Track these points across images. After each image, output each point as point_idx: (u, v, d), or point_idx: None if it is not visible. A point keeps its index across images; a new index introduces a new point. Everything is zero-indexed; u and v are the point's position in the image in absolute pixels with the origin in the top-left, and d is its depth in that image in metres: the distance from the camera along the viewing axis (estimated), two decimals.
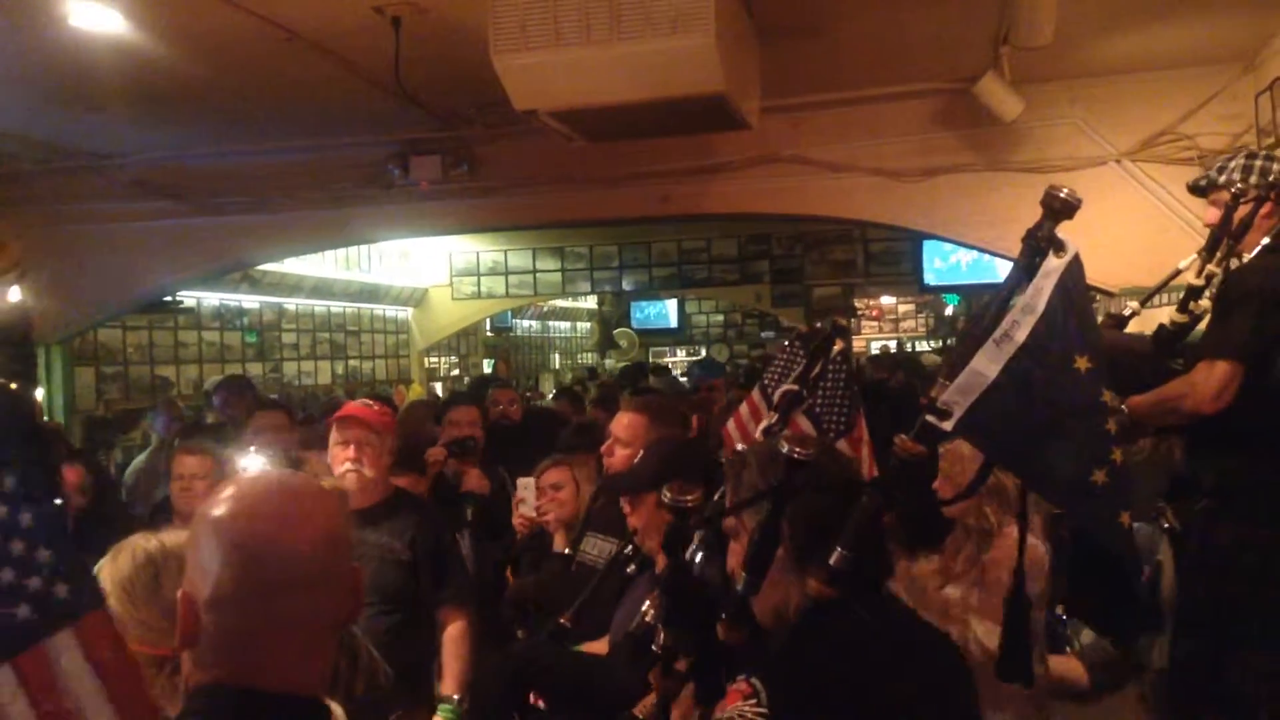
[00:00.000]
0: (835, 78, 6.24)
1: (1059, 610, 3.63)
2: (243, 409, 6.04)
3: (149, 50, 4.74)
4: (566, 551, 3.94)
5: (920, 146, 6.62)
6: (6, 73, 5.09)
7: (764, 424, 2.49)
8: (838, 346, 2.71)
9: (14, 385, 1.09)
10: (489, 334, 15.83)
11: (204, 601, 1.28)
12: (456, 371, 15.06)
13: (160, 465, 5.71)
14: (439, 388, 13.91)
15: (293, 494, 1.37)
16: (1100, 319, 4.13)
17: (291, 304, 11.55)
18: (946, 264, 12.21)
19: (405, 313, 13.54)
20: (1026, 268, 1.80)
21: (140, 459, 6.72)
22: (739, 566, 1.78)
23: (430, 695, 3.61)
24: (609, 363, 16.88)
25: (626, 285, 13.88)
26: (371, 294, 12.54)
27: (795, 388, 2.52)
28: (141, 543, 2.22)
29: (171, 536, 1.91)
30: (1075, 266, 1.79)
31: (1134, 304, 3.61)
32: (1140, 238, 6.08)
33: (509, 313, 15.47)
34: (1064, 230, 1.83)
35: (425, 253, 13.01)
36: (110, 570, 2.08)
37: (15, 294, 1.57)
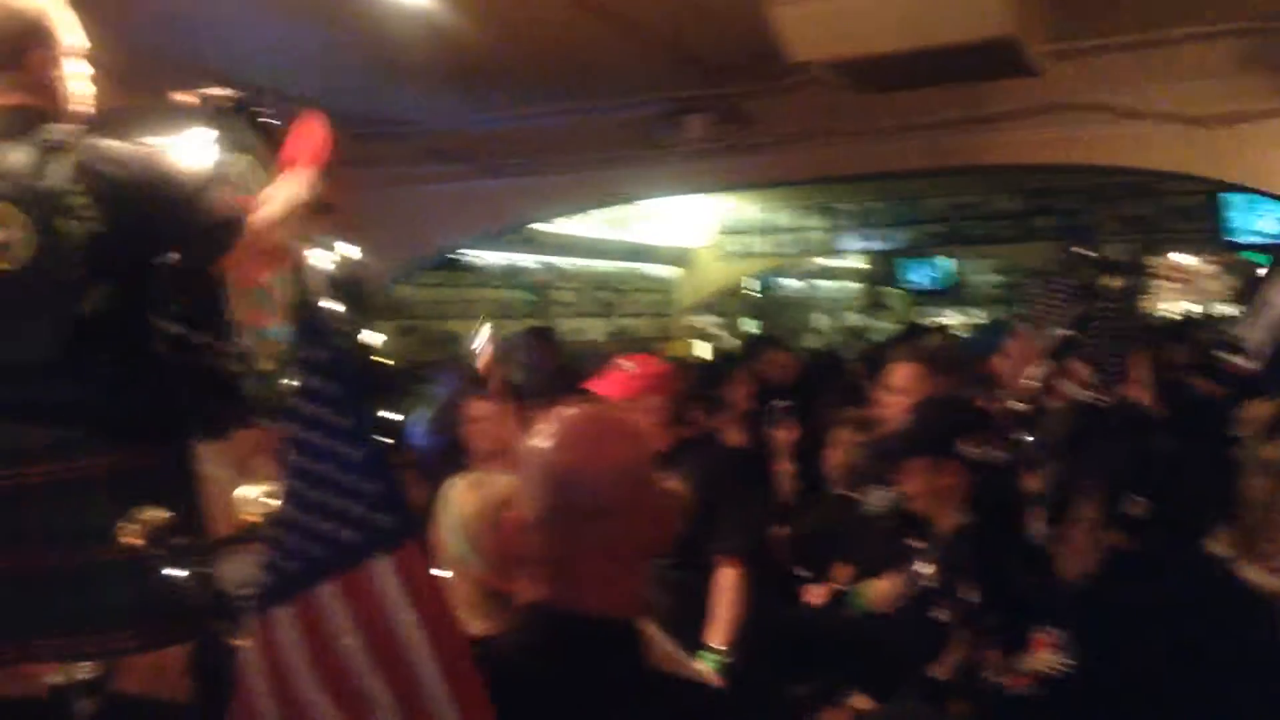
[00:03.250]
0: (1129, 17, 5.78)
1: None
2: (547, 358, 6.33)
3: (448, 20, 5.01)
4: (846, 494, 4.03)
5: (1226, 90, 6.02)
6: (323, 45, 5.53)
7: (1038, 370, 2.36)
8: (1113, 283, 2.54)
9: (360, 339, 1.21)
10: (753, 294, 15.83)
11: (527, 525, 1.41)
12: (720, 332, 15.17)
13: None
14: (704, 346, 14.06)
15: (601, 427, 1.48)
16: None
17: (567, 263, 12.00)
18: (1256, 220, 11.10)
19: (671, 272, 13.75)
20: None
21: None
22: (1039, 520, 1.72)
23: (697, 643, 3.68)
24: (876, 323, 16.51)
25: (896, 243, 13.48)
26: (639, 253, 12.81)
27: (1069, 332, 2.38)
28: (486, 481, 2.39)
29: (508, 477, 2.03)
30: None
31: None
32: None
33: (775, 272, 15.38)
34: None
35: (691, 213, 13.14)
36: (456, 506, 2.23)
37: (355, 251, 1.77)
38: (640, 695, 1.36)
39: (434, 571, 1.27)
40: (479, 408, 4.04)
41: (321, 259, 1.25)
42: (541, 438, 1.43)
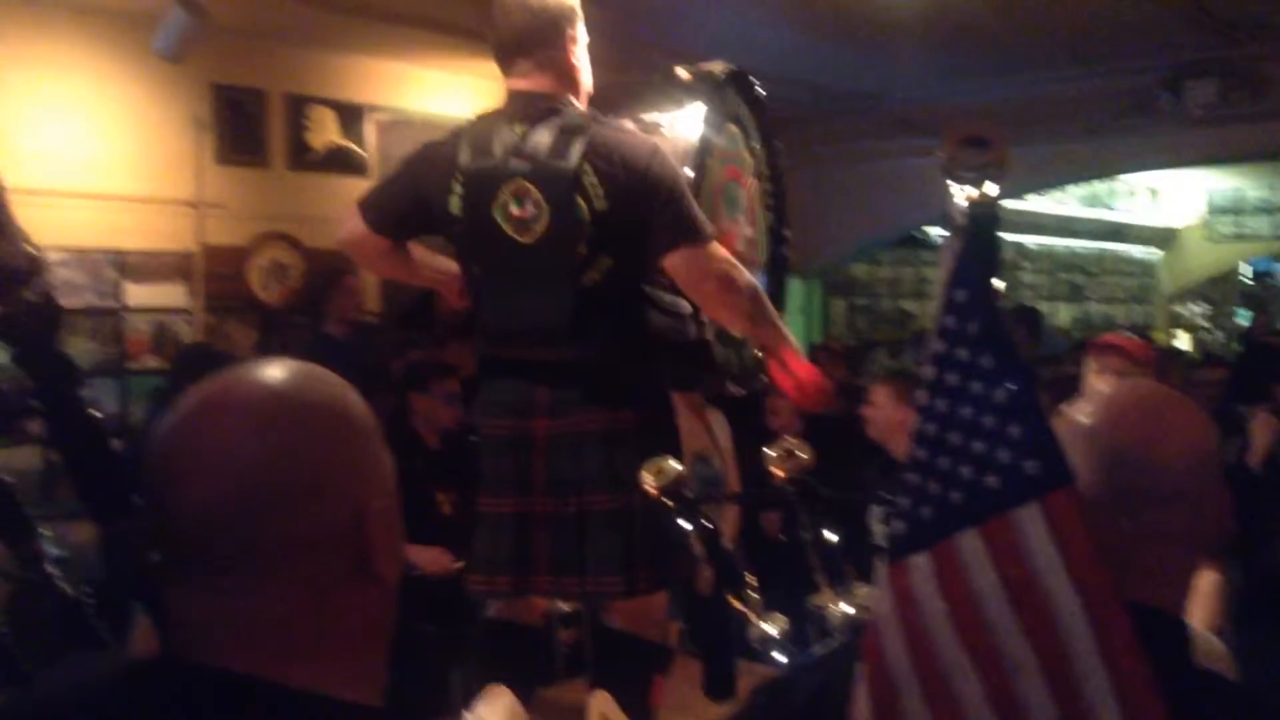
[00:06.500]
0: None
1: None
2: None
3: None
4: None
5: None
6: (799, 19, 5.60)
7: None
8: None
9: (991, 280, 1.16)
10: (1247, 281, 14.08)
11: None
12: (1206, 324, 13.65)
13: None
14: (1187, 339, 12.77)
15: (1164, 406, 1.35)
16: None
17: (1032, 242, 11.37)
18: None
19: (1152, 254, 12.58)
20: None
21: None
22: None
23: None
24: None
25: None
26: (1116, 233, 11.85)
27: None
28: None
29: None
30: None
31: None
32: None
33: (1273, 258, 13.59)
34: None
35: (1178, 189, 11.91)
36: None
37: (992, 189, 1.71)
38: (1195, 696, 1.23)
39: (1083, 516, 1.13)
40: (877, 393, 4.01)
41: (960, 195, 1.20)
42: (1091, 414, 1.33)
